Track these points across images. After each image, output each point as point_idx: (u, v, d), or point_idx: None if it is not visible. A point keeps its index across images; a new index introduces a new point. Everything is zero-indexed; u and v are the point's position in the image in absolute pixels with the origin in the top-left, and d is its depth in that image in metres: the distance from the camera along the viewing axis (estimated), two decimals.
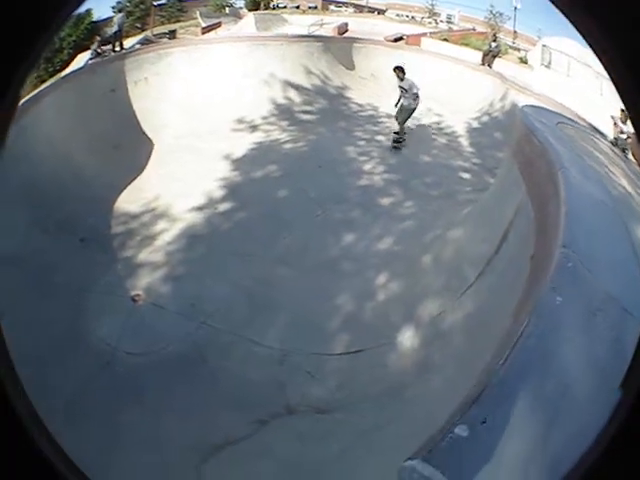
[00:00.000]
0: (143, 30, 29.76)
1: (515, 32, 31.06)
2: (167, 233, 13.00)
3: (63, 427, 7.36)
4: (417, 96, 17.13)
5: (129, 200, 14.20)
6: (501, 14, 32.31)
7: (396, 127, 17.39)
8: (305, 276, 11.02)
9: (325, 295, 10.48)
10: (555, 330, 4.75)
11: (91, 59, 23.43)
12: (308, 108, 18.55)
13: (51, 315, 10.39)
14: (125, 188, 14.78)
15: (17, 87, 1.44)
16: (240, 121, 17.75)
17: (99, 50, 24.10)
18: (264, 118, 17.85)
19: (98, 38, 25.71)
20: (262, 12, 31.34)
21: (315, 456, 7.47)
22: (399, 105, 17.47)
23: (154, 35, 27.44)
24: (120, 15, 26.26)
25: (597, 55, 1.51)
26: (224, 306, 10.62)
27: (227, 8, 34.06)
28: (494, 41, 26.06)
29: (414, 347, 8.93)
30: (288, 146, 16.54)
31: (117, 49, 24.11)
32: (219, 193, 14.39)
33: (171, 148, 17.02)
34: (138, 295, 11.49)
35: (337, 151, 16.13)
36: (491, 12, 32.59)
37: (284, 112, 18.27)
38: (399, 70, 17.26)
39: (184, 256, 12.29)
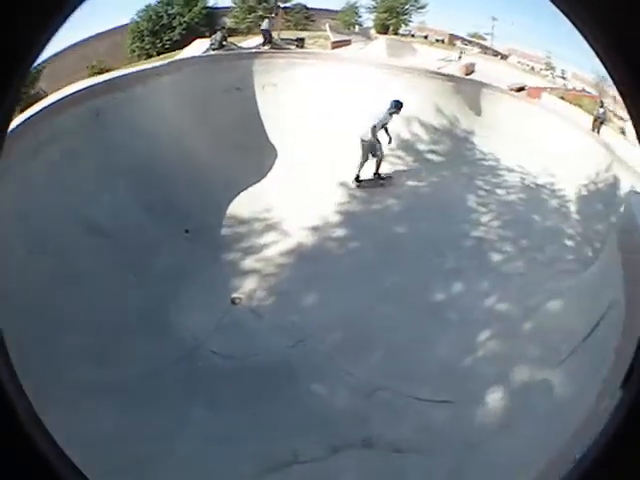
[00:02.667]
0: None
1: (615, 98, 30.30)
2: (276, 246, 13.24)
3: (124, 405, 8.08)
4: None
5: (243, 204, 14.51)
6: (606, 79, 31.57)
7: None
8: (406, 316, 10.98)
9: (423, 339, 10.44)
10: None
11: (214, 49, 24.03)
12: (434, 147, 18.55)
13: (139, 294, 11.00)
14: (241, 191, 15.10)
15: (16, 89, 1.47)
16: None
17: (224, 42, 24.47)
18: (390, 150, 17.79)
19: (223, 29, 26.14)
20: (393, 38, 31.29)
21: None
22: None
23: (281, 39, 27.52)
24: (266, 21, 26.69)
25: (597, 55, 1.54)
26: (322, 330, 10.65)
27: (357, 26, 34.16)
28: (601, 107, 26.40)
29: (500, 408, 8.89)
30: (410, 183, 16.64)
31: (266, 47, 24.91)
32: (335, 218, 14.53)
33: (294, 162, 17.15)
34: (239, 298, 11.75)
35: (457, 197, 16.13)
36: (598, 74, 32.19)
37: (410, 148, 18.31)
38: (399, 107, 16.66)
39: (290, 273, 12.49)
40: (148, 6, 32.48)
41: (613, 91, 30.72)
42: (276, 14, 29.39)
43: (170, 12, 30.96)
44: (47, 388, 7.78)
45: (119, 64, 28.47)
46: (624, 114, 28.39)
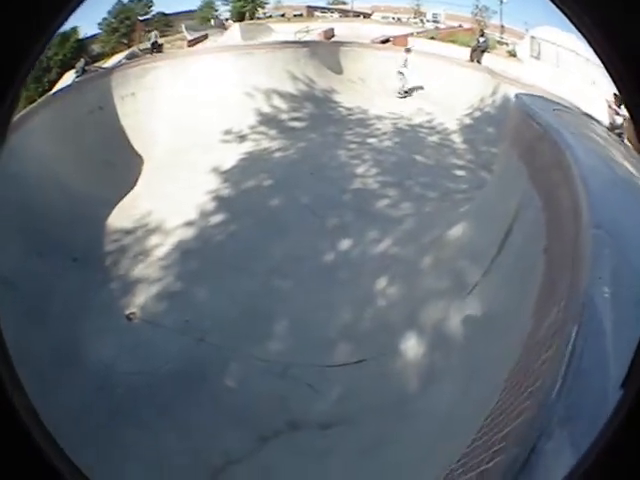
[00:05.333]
0: (129, 46, 29.90)
1: (502, 26, 30.46)
2: (160, 249, 13.07)
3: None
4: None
5: (121, 217, 14.08)
6: (487, 9, 31.93)
7: None
8: (302, 286, 10.83)
9: (323, 304, 10.25)
10: (608, 328, 4.09)
11: (78, 77, 23.24)
12: (296, 115, 18.52)
13: (46, 337, 10.35)
14: (116, 205, 14.72)
15: (17, 89, 1.49)
16: (228, 132, 17.70)
17: (86, 67, 23.86)
18: (252, 128, 17.85)
19: (84, 56, 25.69)
20: (247, 22, 31.35)
21: (319, 472, 7.25)
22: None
23: (140, 50, 27.35)
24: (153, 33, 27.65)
25: (595, 51, 1.53)
26: (221, 321, 10.47)
27: (212, 20, 34.19)
28: (482, 36, 25.81)
29: (418, 355, 8.66)
30: (278, 154, 16.48)
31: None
32: (211, 206, 14.33)
33: (161, 163, 17.01)
34: (133, 313, 11.45)
35: (328, 156, 16.00)
36: (477, 7, 32.30)
37: (272, 120, 18.27)
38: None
39: (178, 271, 12.22)
40: None
41: (495, 21, 30.97)
42: (134, 29, 29.40)
43: (48, 55, 30.65)
44: None
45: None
46: (512, 39, 28.60)
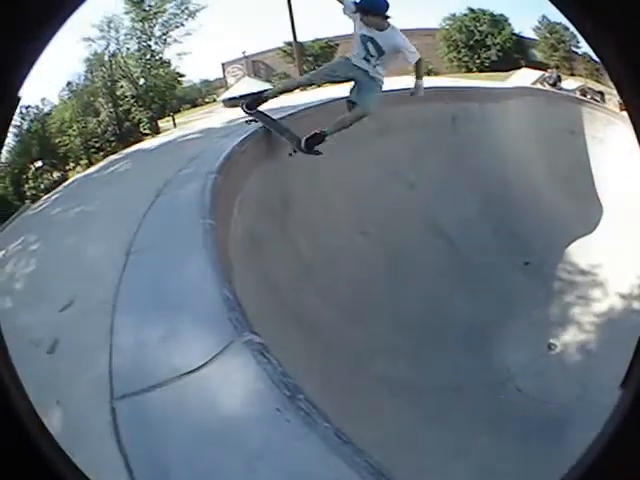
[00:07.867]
0: (572, 74, 29.65)
1: None
2: (597, 305, 12.95)
3: (416, 411, 8.85)
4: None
5: (581, 252, 14.07)
6: None
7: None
8: None
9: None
10: None
11: (549, 84, 23.84)
12: None
13: (466, 308, 11.47)
14: (576, 239, 14.76)
15: (17, 89, 1.48)
16: None
17: (557, 82, 24.12)
18: None
19: (556, 68, 26.07)
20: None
21: None
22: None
23: (589, 89, 26.31)
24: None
25: (590, 45, 1.47)
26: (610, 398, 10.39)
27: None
28: None
29: None
30: None
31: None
32: None
33: (619, 220, 16.02)
34: (555, 345, 11.80)
35: None
36: None
37: None
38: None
39: (601, 336, 11.97)
40: (454, 16, 32.34)
41: None
42: (573, 59, 29.24)
43: (480, 29, 30.90)
44: (351, 375, 8.63)
45: (440, 68, 29.54)
46: None
